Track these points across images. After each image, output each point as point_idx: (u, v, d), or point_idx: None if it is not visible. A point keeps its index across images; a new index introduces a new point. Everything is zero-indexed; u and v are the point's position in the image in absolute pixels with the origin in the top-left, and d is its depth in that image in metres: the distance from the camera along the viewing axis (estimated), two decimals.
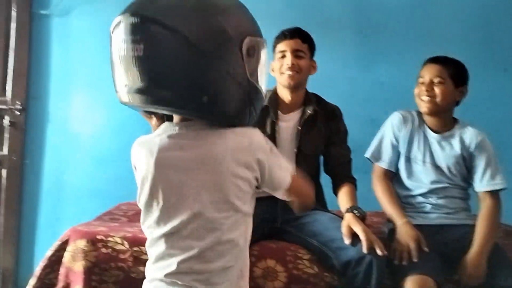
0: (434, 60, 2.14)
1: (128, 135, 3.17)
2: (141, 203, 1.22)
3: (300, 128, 2.16)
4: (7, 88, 3.16)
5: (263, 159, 1.17)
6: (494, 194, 2.09)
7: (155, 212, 1.19)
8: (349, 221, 1.90)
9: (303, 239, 2.00)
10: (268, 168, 1.18)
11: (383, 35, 3.16)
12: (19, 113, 3.17)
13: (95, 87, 3.24)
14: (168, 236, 1.17)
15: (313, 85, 2.30)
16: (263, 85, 1.18)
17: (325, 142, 2.22)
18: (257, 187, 1.22)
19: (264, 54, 1.18)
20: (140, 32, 1.05)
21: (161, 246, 1.19)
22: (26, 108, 3.21)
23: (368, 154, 2.24)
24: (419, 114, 2.21)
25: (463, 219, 2.12)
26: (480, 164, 2.10)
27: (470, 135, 2.13)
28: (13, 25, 3.16)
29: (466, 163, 2.13)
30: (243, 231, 1.22)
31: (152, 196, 1.19)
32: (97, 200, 3.17)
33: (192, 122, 1.18)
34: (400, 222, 2.01)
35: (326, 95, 2.33)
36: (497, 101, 3.05)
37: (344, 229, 1.88)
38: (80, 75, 3.26)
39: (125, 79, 1.11)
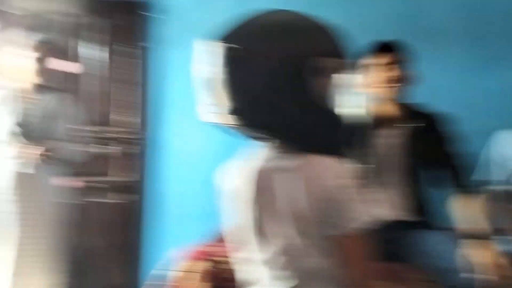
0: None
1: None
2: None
3: (403, 142, 2.07)
4: (130, 119, 3.41)
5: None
6: None
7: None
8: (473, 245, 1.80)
9: (412, 259, 1.91)
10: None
11: (494, 37, 2.96)
12: (138, 141, 3.41)
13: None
14: None
15: (426, 95, 2.19)
16: (343, 107, 1.17)
17: (432, 153, 2.09)
18: None
19: (346, 75, 1.18)
20: (227, 56, 1.13)
21: None
22: (145, 136, 3.44)
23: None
24: None
25: None
26: None
27: None
28: (120, 59, 3.40)
29: None
30: None
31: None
32: (214, 221, 3.28)
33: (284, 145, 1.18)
34: None
35: (441, 105, 2.20)
36: None
37: (467, 254, 1.79)
38: (193, 102, 3.41)
39: (215, 101, 1.18)
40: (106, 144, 3.33)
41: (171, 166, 3.46)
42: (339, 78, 1.16)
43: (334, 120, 1.17)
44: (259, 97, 1.11)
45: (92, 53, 3.37)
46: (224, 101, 1.14)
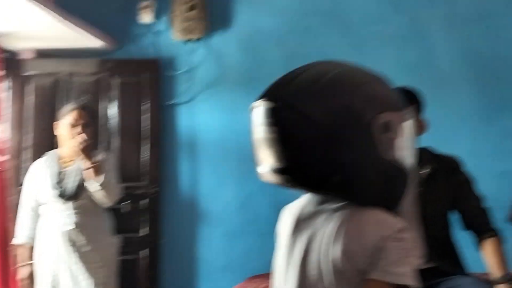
0: None
1: (254, 209, 3.35)
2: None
3: (420, 189, 2.07)
4: (143, 173, 3.46)
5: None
6: None
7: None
8: None
9: None
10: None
11: (503, 84, 3.03)
12: (154, 196, 3.44)
13: (221, 165, 3.45)
14: None
15: (434, 142, 2.21)
16: (407, 160, 1.13)
17: (451, 198, 2.07)
18: None
19: (405, 128, 1.12)
20: (273, 115, 1.10)
21: None
22: (160, 190, 3.48)
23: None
24: None
25: None
26: None
27: None
28: (144, 117, 3.51)
29: None
30: None
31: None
32: (228, 274, 3.28)
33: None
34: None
35: (449, 150, 2.24)
36: None
37: None
38: (207, 155, 3.50)
39: (263, 159, 1.17)
40: (137, 200, 3.40)
41: (186, 219, 3.47)
42: (403, 129, 1.12)
43: (399, 173, 1.12)
44: (305, 156, 1.07)
45: (114, 111, 3.48)
46: (270, 159, 1.13)
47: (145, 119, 3.51)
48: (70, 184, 2.63)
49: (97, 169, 2.57)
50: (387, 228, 1.07)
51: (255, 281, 2.73)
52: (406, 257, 1.06)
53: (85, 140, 2.55)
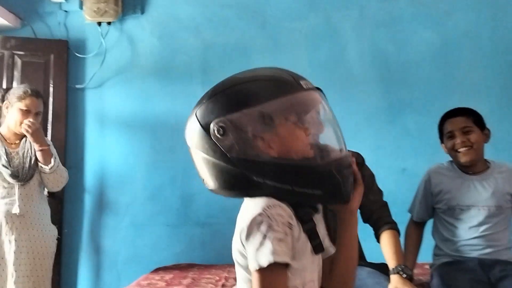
0: (454, 113, 2.25)
1: (163, 199, 3.30)
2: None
3: None
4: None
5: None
6: None
7: None
8: (397, 285, 1.87)
9: None
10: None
11: (406, 86, 3.21)
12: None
13: (129, 154, 3.36)
14: None
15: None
16: (261, 152, 1.12)
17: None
18: None
19: (250, 125, 1.12)
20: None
21: None
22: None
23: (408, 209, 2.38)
24: (451, 163, 2.30)
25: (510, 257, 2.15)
26: None
27: (508, 170, 2.22)
28: (50, 100, 3.33)
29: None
30: None
31: None
32: (134, 265, 3.21)
33: None
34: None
35: (354, 147, 2.33)
36: None
37: None
38: (114, 144, 3.39)
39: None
40: None
41: (91, 210, 3.35)
42: (241, 130, 1.16)
43: (248, 168, 1.13)
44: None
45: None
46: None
47: (52, 102, 3.35)
48: (21, 166, 2.59)
49: (47, 153, 2.61)
50: (249, 213, 1.09)
51: (160, 273, 2.69)
52: (267, 238, 1.04)
53: (34, 124, 2.56)
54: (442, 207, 2.26)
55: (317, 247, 1.15)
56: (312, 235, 1.15)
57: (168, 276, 2.59)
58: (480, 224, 2.15)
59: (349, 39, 3.31)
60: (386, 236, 2.05)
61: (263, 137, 1.12)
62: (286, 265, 1.05)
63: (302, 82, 1.15)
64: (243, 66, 3.65)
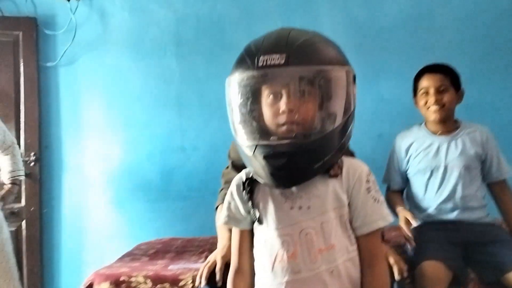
0: (433, 69, 2.23)
1: (142, 175, 3.28)
2: None
3: None
4: (20, 140, 3.23)
5: None
6: (507, 180, 2.23)
7: None
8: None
9: None
10: None
11: (380, 53, 3.22)
12: (33, 163, 3.23)
13: (106, 130, 3.32)
14: None
15: None
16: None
17: None
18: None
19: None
20: None
21: None
22: (40, 158, 3.28)
23: (383, 180, 2.39)
24: (420, 125, 2.32)
25: (482, 217, 2.18)
26: (493, 155, 2.21)
27: (478, 131, 2.22)
28: (21, 79, 3.26)
29: (481, 157, 2.20)
30: None
31: None
32: (117, 241, 3.22)
33: None
34: (398, 209, 2.21)
35: None
36: (498, 104, 3.10)
37: None
38: (91, 120, 3.34)
39: None
40: None
41: (69, 188, 3.33)
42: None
43: None
44: None
45: None
46: None
47: (23, 82, 3.28)
48: None
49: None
50: None
51: (143, 247, 2.70)
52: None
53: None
54: (412, 170, 2.27)
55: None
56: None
57: (151, 250, 2.60)
58: (450, 185, 2.16)
59: (322, 7, 3.29)
60: None
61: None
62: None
63: (261, 58, 1.14)
64: (217, 38, 3.66)
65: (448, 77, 2.19)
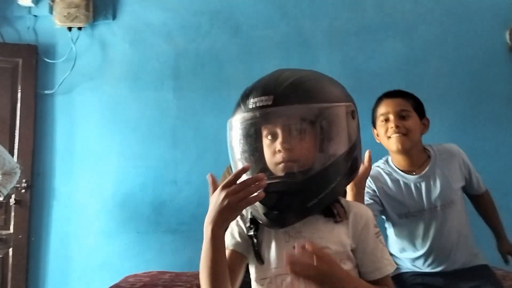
0: (392, 94, 2.01)
1: (133, 206, 3.27)
2: None
3: None
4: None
5: None
6: (488, 190, 2.14)
7: None
8: None
9: None
10: None
11: (374, 95, 3.24)
12: (24, 190, 3.21)
13: (99, 161, 3.32)
14: None
15: None
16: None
17: None
18: None
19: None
20: None
21: None
22: (32, 185, 3.26)
23: None
24: (386, 162, 2.06)
25: (471, 261, 2.00)
26: (471, 171, 2.02)
27: (451, 156, 1.99)
28: (18, 106, 3.28)
29: (466, 180, 2.02)
30: None
31: None
32: (104, 272, 3.17)
33: None
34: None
35: None
36: (490, 151, 3.12)
37: None
38: (84, 150, 3.34)
39: None
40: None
41: (58, 217, 3.30)
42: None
43: None
44: None
45: None
46: None
47: (20, 108, 3.30)
48: None
49: None
50: None
51: (130, 281, 2.66)
52: None
53: None
54: (391, 217, 2.00)
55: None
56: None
57: (138, 284, 2.56)
58: (435, 229, 1.93)
59: (320, 48, 3.35)
60: None
61: None
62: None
63: (252, 101, 1.16)
64: (215, 73, 3.71)
65: (409, 101, 1.95)
